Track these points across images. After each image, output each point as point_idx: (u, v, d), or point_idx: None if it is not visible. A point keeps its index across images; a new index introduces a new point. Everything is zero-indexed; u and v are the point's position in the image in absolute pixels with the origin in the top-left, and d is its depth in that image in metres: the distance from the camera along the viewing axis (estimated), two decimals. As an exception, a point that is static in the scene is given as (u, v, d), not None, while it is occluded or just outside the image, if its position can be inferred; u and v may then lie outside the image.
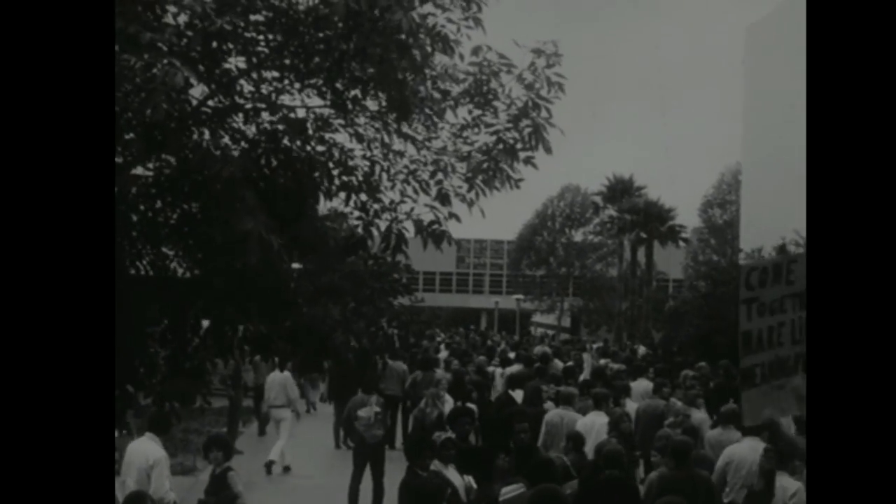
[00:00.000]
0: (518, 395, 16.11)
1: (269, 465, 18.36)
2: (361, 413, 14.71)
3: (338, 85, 9.36)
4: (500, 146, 9.62)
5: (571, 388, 15.28)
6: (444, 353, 27.88)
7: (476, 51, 9.40)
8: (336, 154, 9.90)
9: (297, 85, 9.40)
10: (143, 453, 10.00)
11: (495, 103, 9.68)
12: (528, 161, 9.57)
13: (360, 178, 9.96)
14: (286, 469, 18.58)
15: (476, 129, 9.85)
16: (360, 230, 9.91)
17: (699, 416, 13.90)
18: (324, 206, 10.14)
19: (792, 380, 6.98)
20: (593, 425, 13.00)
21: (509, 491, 9.26)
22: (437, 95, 9.44)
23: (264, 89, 9.35)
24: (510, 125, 9.60)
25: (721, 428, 12.28)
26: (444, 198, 9.73)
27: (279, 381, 19.14)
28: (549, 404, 14.86)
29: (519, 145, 9.57)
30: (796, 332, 7.06)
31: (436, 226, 9.71)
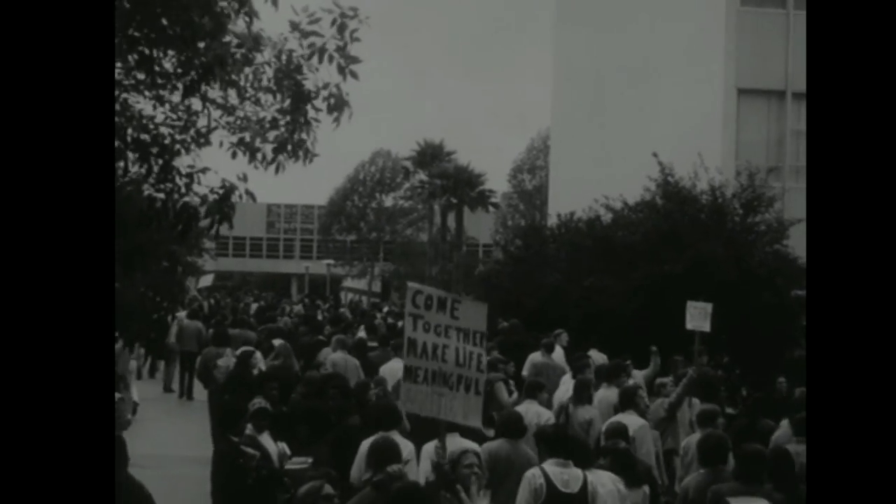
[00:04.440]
0: None
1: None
2: (220, 363, 16.26)
3: (141, 48, 8.92)
4: (299, 115, 9.43)
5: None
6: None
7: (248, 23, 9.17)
8: (133, 117, 9.43)
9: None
10: None
11: (301, 72, 9.47)
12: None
13: (158, 142, 9.52)
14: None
15: (276, 96, 9.61)
16: (159, 200, 9.48)
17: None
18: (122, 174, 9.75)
19: (453, 393, 7.63)
20: (396, 371, 14.21)
21: (296, 463, 9.19)
22: (237, 58, 9.15)
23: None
24: (308, 94, 9.44)
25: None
26: (250, 151, 9.40)
27: None
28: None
29: (321, 107, 9.42)
30: (461, 358, 7.70)
31: (228, 204, 9.40)
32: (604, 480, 8.20)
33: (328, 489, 7.26)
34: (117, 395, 12.83)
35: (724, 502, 7.83)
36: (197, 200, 9.47)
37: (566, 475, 7.92)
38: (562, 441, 8.25)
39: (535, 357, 16.37)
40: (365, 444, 9.08)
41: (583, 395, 12.49)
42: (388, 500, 7.23)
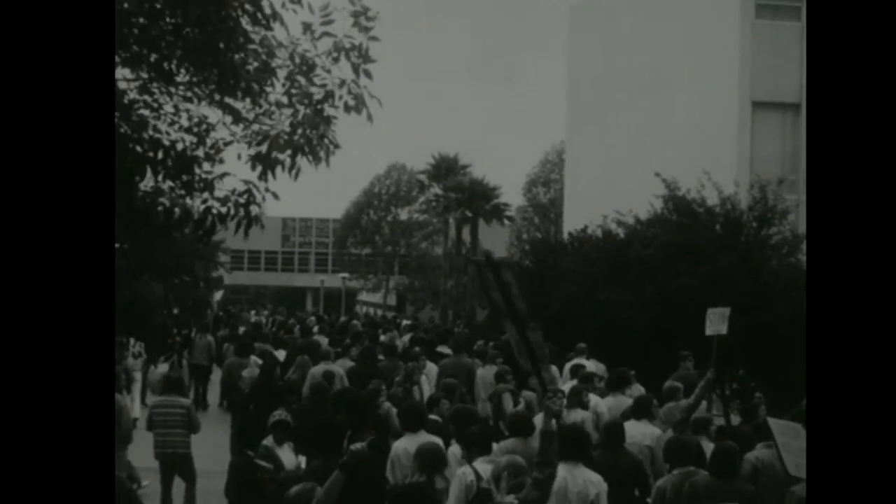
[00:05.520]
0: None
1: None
2: (245, 373, 17.05)
3: (154, 57, 8.99)
4: (317, 117, 9.49)
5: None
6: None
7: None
8: (150, 129, 9.51)
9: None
10: None
11: (316, 73, 9.52)
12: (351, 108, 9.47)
13: (177, 153, 9.58)
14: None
15: (292, 106, 9.69)
16: (178, 209, 9.55)
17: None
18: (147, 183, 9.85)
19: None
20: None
21: None
22: (255, 65, 9.24)
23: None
24: (327, 93, 9.50)
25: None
26: (267, 164, 9.45)
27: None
28: None
29: (338, 105, 9.52)
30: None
31: (253, 206, 9.45)
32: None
33: (319, 490, 7.33)
34: (187, 401, 13.60)
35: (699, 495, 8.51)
36: (218, 204, 9.55)
37: None
38: (488, 441, 8.98)
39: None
40: (399, 446, 9.61)
41: (573, 400, 12.84)
42: (391, 499, 7.31)
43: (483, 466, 8.41)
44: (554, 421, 8.00)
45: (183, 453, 13.39)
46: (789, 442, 8.00)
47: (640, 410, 11.88)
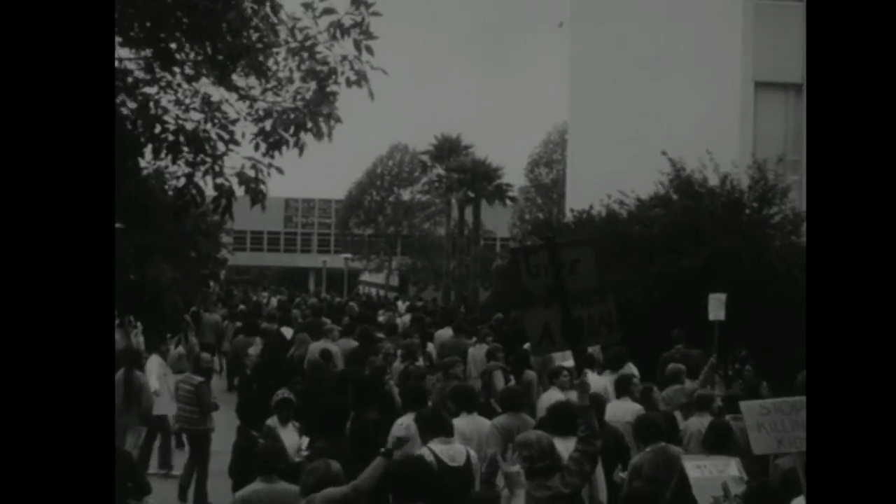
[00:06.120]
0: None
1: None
2: (251, 351, 17.79)
3: (161, 36, 9.00)
4: (320, 93, 9.52)
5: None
6: None
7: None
8: (153, 108, 9.54)
9: (118, 39, 8.98)
10: None
11: (318, 49, 9.55)
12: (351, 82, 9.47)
13: (186, 133, 9.60)
14: None
15: (295, 83, 9.72)
16: (190, 189, 9.59)
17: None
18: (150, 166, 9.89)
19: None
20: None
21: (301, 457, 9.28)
22: (258, 46, 9.25)
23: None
24: (330, 70, 9.52)
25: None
26: (271, 145, 9.48)
27: None
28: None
29: (341, 81, 9.53)
30: None
31: (259, 184, 9.48)
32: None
33: (336, 466, 7.37)
34: (198, 379, 13.57)
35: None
36: (235, 182, 9.59)
37: (451, 451, 8.62)
38: (442, 421, 8.96)
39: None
40: (400, 423, 9.67)
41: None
42: (392, 473, 7.37)
43: (439, 447, 8.51)
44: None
45: (196, 429, 13.45)
46: (777, 419, 7.97)
47: (621, 389, 12.23)
